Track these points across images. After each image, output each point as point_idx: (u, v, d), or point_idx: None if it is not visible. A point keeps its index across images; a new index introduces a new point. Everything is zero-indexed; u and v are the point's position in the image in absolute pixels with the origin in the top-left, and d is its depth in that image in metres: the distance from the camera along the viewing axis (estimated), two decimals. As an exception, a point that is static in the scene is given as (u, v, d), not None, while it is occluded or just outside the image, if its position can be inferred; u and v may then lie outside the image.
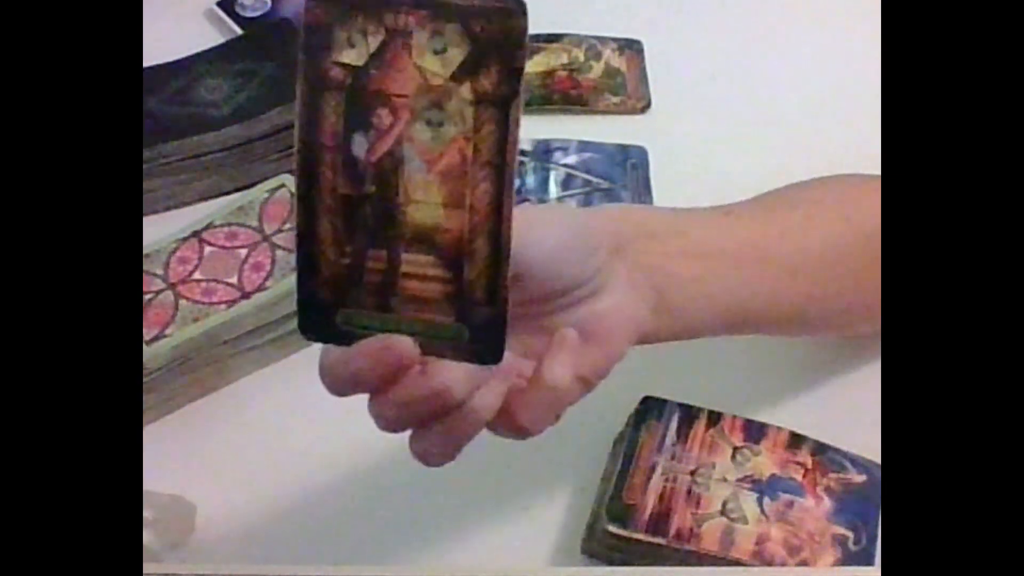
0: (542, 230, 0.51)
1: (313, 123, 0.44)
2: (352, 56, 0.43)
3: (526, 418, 0.50)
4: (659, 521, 0.61)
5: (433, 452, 0.49)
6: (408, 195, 0.44)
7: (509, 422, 0.50)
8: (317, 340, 0.47)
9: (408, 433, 0.50)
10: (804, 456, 0.64)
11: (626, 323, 0.54)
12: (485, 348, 0.46)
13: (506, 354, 0.47)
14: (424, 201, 0.44)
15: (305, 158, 0.44)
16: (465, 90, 0.43)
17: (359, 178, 0.44)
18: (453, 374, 0.47)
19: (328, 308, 0.46)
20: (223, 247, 0.74)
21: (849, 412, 0.68)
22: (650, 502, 0.61)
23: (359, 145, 0.44)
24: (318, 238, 0.45)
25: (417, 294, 0.45)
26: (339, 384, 0.48)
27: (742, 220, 0.62)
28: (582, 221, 0.54)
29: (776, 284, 0.61)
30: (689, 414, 0.65)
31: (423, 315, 0.46)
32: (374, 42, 0.43)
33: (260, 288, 0.72)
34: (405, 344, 0.46)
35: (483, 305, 0.45)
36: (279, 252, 0.73)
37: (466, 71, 0.43)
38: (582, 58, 0.94)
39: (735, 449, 0.64)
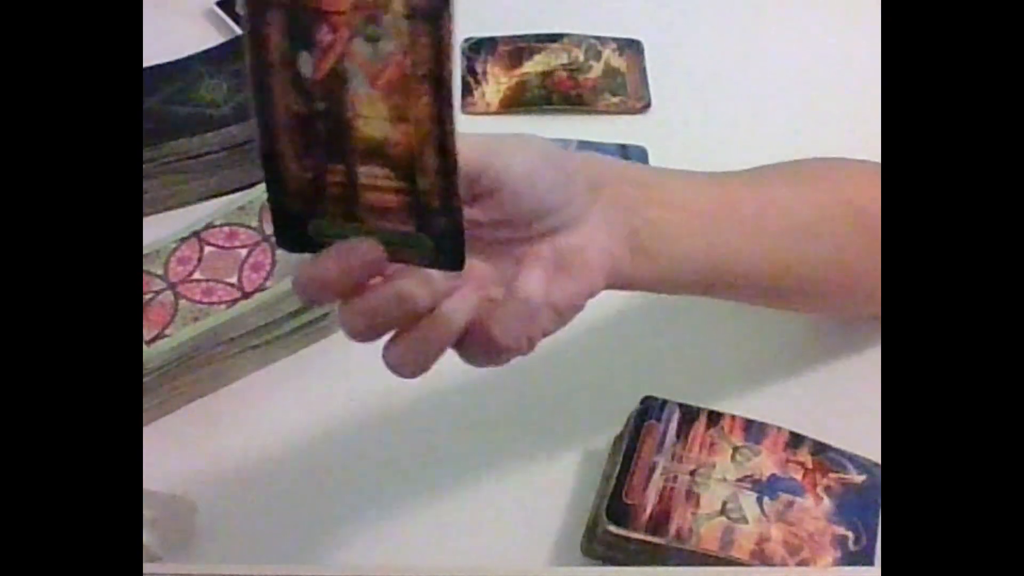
0: (519, 148, 0.52)
1: (260, 43, 0.44)
2: None
3: (498, 331, 0.50)
4: (659, 521, 0.61)
5: (405, 361, 0.49)
6: (356, 110, 0.45)
7: (481, 336, 0.50)
8: (292, 250, 0.48)
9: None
10: (804, 456, 0.64)
11: (601, 257, 0.55)
12: (447, 256, 0.47)
13: (482, 268, 0.48)
14: (371, 116, 0.45)
15: (257, 78, 0.45)
16: (398, 4, 0.43)
17: (309, 96, 0.45)
18: (416, 280, 0.48)
19: (299, 219, 0.47)
20: (223, 247, 0.74)
21: (849, 412, 0.68)
22: (650, 502, 0.61)
23: (305, 63, 0.44)
24: (280, 155, 0.46)
25: (377, 204, 0.46)
26: (309, 290, 0.48)
27: (727, 184, 0.62)
28: (556, 151, 0.55)
29: (756, 246, 0.61)
30: (689, 414, 0.65)
31: (386, 224, 0.47)
32: None
33: (260, 288, 0.72)
34: (370, 245, 0.47)
35: (440, 214, 0.46)
36: (279, 252, 0.73)
37: None
38: (582, 58, 0.94)
39: (735, 449, 0.64)
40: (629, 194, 0.56)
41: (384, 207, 0.46)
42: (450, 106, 0.44)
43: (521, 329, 0.51)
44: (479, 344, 0.50)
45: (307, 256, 0.48)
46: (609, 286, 0.56)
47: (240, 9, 0.44)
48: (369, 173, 0.46)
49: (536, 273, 0.52)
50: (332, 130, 0.45)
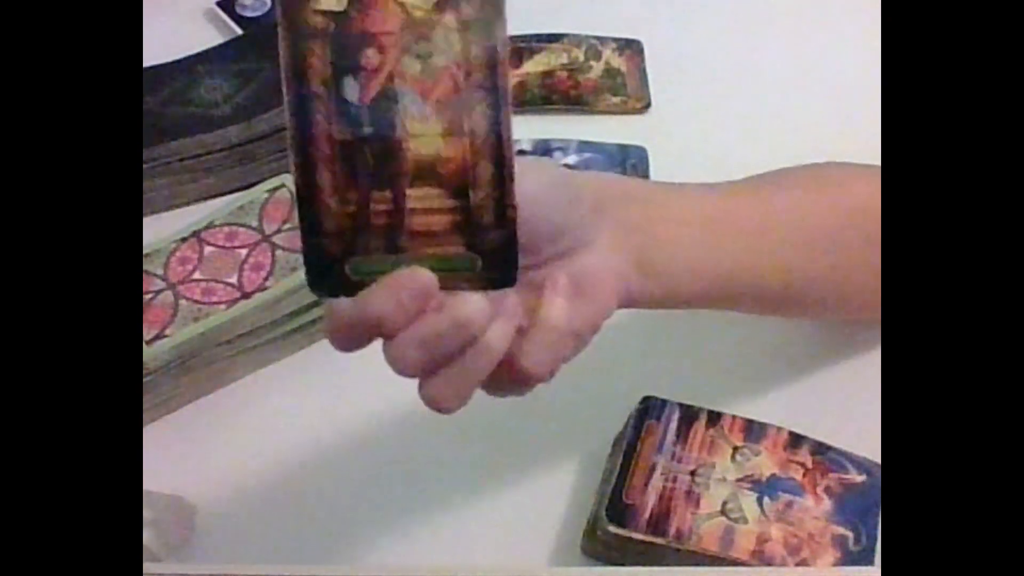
0: (529, 173, 0.51)
1: (301, 74, 0.44)
2: (332, 2, 0.43)
3: (528, 361, 0.50)
4: (659, 521, 0.61)
5: (448, 395, 0.48)
6: (407, 129, 0.45)
7: (511, 368, 0.50)
8: (327, 295, 0.47)
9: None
10: (804, 456, 0.64)
11: (613, 279, 0.55)
12: (499, 272, 0.47)
13: (512, 297, 0.48)
14: (423, 134, 0.45)
15: (297, 110, 0.44)
16: (449, 19, 0.43)
17: (355, 121, 0.44)
18: (473, 305, 0.47)
19: (336, 260, 0.46)
20: (223, 247, 0.74)
21: (849, 412, 0.68)
22: (650, 502, 0.61)
23: (350, 88, 0.44)
24: (319, 190, 0.45)
25: (425, 229, 0.46)
26: (357, 332, 0.47)
27: (726, 194, 0.62)
28: (565, 173, 0.55)
29: (759, 257, 0.61)
30: (689, 414, 0.65)
31: (434, 249, 0.46)
32: None
33: (260, 288, 0.72)
34: (425, 275, 0.46)
35: (492, 228, 0.46)
36: (279, 252, 0.73)
37: (448, 1, 0.43)
38: (582, 58, 0.94)
39: (735, 449, 0.64)
40: (634, 212, 0.56)
41: (432, 230, 0.46)
42: (507, 113, 0.44)
43: (549, 358, 0.50)
44: (507, 375, 0.50)
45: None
46: (620, 306, 0.55)
47: (280, 40, 0.44)
48: (418, 195, 0.45)
49: (559, 300, 0.51)
50: (380, 154, 0.45)
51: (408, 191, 0.45)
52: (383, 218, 0.46)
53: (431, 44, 0.43)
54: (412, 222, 0.46)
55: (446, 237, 0.46)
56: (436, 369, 0.48)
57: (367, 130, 0.44)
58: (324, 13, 0.43)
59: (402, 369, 0.48)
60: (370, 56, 0.44)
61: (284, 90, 0.44)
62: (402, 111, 0.44)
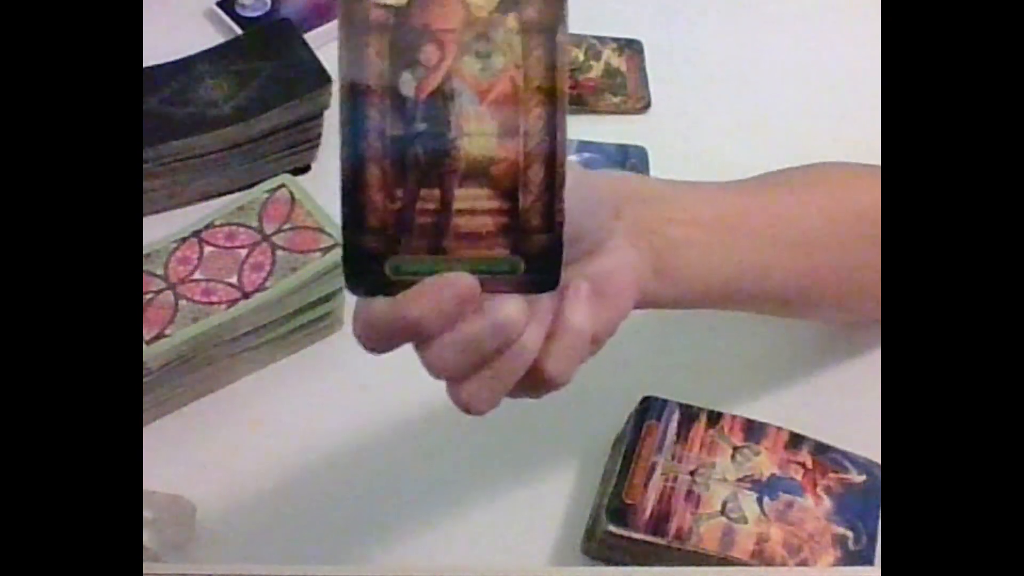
0: None
1: (358, 67, 0.44)
2: None
3: (552, 365, 0.49)
4: (659, 521, 0.61)
5: (482, 399, 0.48)
6: (461, 128, 0.44)
7: (533, 372, 0.49)
8: (364, 294, 0.46)
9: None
10: (804, 456, 0.64)
11: (630, 281, 0.54)
12: (542, 276, 0.46)
13: (543, 299, 0.48)
14: (477, 133, 0.44)
15: (351, 104, 0.44)
16: (511, 20, 0.43)
17: (409, 117, 0.44)
18: (512, 307, 0.46)
19: (377, 259, 0.46)
20: (223, 247, 0.74)
21: (849, 412, 0.68)
22: (650, 502, 0.61)
23: (407, 84, 0.44)
24: (366, 186, 0.45)
25: (471, 230, 0.45)
26: (393, 334, 0.46)
27: (736, 194, 0.62)
28: (585, 175, 0.54)
29: (769, 257, 0.61)
30: (689, 414, 0.65)
31: (477, 251, 0.46)
32: None
33: (260, 288, 0.72)
34: (467, 279, 0.45)
35: (539, 232, 0.45)
36: (279, 252, 0.73)
37: (510, 1, 0.43)
38: (582, 58, 0.94)
39: (735, 449, 0.64)
40: (648, 213, 0.56)
41: (477, 232, 0.45)
42: (564, 117, 0.44)
43: (572, 363, 0.50)
44: (532, 379, 0.49)
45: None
46: (635, 308, 0.55)
47: (339, 33, 0.43)
48: (466, 196, 0.45)
49: (581, 305, 0.50)
50: (432, 152, 0.44)
51: (457, 191, 0.45)
52: (429, 217, 0.45)
53: (491, 44, 0.43)
54: (458, 223, 0.45)
55: (491, 239, 0.46)
56: (472, 372, 0.47)
57: (420, 127, 0.44)
58: (384, 7, 0.43)
59: (439, 372, 0.47)
60: (429, 52, 0.44)
61: (339, 83, 0.44)
62: (457, 109, 0.44)
